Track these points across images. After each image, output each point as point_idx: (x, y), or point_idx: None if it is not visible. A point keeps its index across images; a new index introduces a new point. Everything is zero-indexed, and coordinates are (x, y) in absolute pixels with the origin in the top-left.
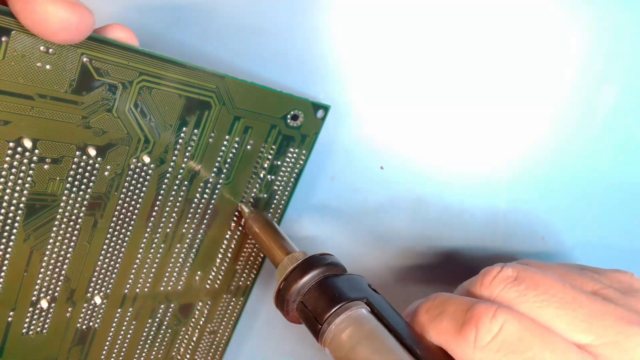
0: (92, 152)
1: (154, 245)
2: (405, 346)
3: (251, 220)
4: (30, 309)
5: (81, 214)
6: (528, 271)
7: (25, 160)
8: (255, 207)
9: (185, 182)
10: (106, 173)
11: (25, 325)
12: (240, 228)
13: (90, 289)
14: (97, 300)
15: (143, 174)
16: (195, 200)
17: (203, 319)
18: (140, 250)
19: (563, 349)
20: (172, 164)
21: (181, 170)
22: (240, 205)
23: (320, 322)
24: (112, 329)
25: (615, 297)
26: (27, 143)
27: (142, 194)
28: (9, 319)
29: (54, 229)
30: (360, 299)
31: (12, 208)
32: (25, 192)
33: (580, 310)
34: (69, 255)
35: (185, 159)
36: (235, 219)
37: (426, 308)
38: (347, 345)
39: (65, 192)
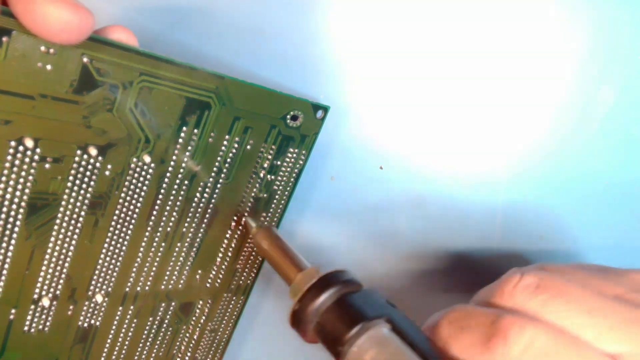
0: (93, 151)
1: (154, 244)
2: None
3: (259, 237)
4: (32, 307)
5: (82, 213)
6: (550, 278)
7: (26, 160)
8: (261, 221)
9: (186, 182)
10: (107, 172)
11: (27, 323)
12: (240, 228)
13: (92, 288)
14: (99, 298)
15: (144, 173)
16: (196, 199)
17: (204, 317)
18: (141, 249)
19: None
20: (172, 163)
21: (181, 170)
22: (245, 219)
23: (340, 344)
24: (114, 327)
25: (639, 300)
26: (29, 142)
27: (142, 193)
28: (11, 317)
29: (55, 227)
30: (380, 317)
31: (14, 207)
32: (26, 191)
33: (609, 318)
34: (70, 253)
35: (186, 159)
36: (235, 218)
37: (448, 321)
38: None
39: (67, 191)
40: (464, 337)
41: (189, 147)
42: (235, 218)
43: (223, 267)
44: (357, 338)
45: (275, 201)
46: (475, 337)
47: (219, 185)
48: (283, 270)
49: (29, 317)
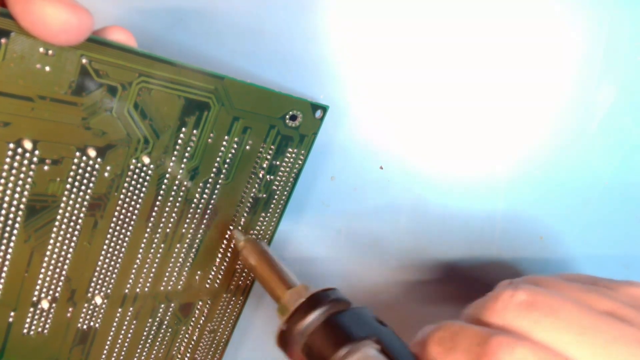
0: (92, 153)
1: (154, 245)
2: None
3: (246, 252)
4: (31, 309)
5: (81, 215)
6: (542, 295)
7: (25, 162)
8: (248, 233)
9: (185, 182)
10: (106, 174)
11: (26, 325)
12: (229, 232)
13: (91, 289)
14: (98, 300)
15: (143, 174)
16: (195, 200)
17: (203, 318)
18: (141, 250)
19: None
20: (171, 164)
21: (181, 171)
22: (233, 232)
23: None
24: (113, 329)
25: (632, 316)
26: (27, 144)
27: (142, 195)
28: (10, 319)
29: (55, 229)
30: (368, 338)
31: (13, 209)
32: (25, 193)
33: (600, 336)
34: (69, 255)
35: (186, 160)
36: (234, 218)
37: (437, 340)
38: None
39: (66, 192)
40: (453, 358)
41: (188, 148)
42: (232, 224)
43: (222, 267)
44: None
45: (274, 201)
46: (464, 358)
47: (218, 186)
48: (271, 288)
49: (28, 320)
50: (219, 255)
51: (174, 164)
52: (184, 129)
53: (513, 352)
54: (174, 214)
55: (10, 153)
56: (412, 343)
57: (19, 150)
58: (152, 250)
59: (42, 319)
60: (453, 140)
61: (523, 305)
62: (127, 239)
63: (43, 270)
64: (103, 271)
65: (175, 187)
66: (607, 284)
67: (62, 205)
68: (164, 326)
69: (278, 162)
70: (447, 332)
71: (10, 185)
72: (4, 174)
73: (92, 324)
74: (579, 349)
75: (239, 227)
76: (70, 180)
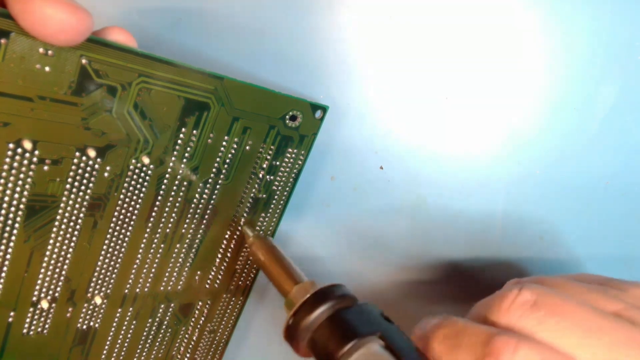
0: (91, 153)
1: (153, 245)
2: None
3: (255, 247)
4: (31, 310)
5: (81, 215)
6: (547, 295)
7: (25, 162)
8: (257, 230)
9: (185, 183)
10: (106, 174)
11: (26, 325)
12: (239, 229)
13: (91, 289)
14: (98, 300)
15: (142, 174)
16: (195, 200)
17: (203, 318)
18: (140, 251)
19: None
20: (171, 164)
21: (180, 171)
22: (243, 228)
23: None
24: (113, 329)
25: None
26: (27, 144)
27: (141, 195)
28: (10, 319)
29: (54, 229)
30: (373, 333)
31: (13, 209)
32: (25, 193)
33: (604, 338)
34: (69, 255)
35: (185, 160)
36: (234, 219)
37: (442, 337)
38: None
39: (65, 193)
40: (457, 356)
41: (188, 148)
42: (232, 224)
43: (222, 267)
44: (349, 355)
45: (274, 201)
46: (468, 357)
47: (218, 186)
48: (278, 283)
49: (27, 320)
50: (219, 256)
51: (175, 162)
52: (183, 129)
53: (517, 352)
54: (173, 214)
55: (10, 153)
56: (412, 337)
57: (19, 150)
58: (151, 251)
59: (42, 319)
60: (453, 140)
61: (527, 304)
62: (126, 239)
63: (43, 270)
64: (103, 271)
65: (175, 187)
66: (616, 285)
67: (62, 205)
68: (163, 326)
69: (278, 162)
70: (451, 329)
71: (10, 185)
72: (4, 174)
73: (91, 324)
74: (583, 350)
75: (249, 224)
76: (70, 180)
